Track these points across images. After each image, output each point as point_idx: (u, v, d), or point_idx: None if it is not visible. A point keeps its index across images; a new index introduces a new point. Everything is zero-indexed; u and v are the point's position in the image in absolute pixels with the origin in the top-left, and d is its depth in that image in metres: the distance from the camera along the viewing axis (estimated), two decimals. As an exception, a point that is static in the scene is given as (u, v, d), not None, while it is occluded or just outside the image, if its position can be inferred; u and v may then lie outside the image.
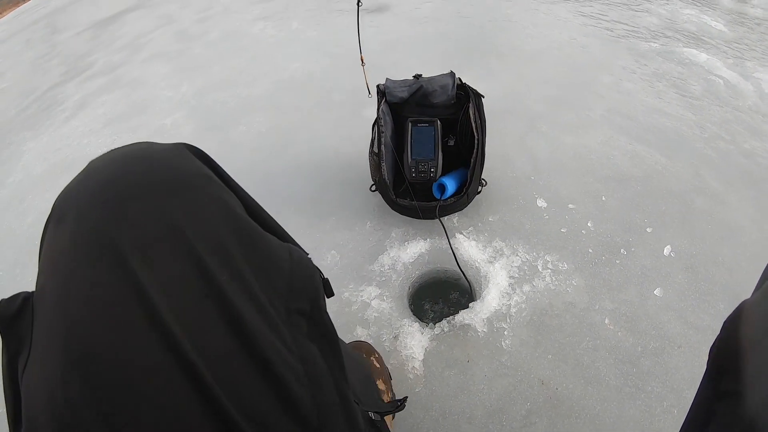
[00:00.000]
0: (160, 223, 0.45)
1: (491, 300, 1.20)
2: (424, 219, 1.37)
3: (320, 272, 0.60)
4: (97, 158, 0.49)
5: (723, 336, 0.48)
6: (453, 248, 1.28)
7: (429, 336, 1.17)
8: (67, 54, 3.64)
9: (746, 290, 0.57)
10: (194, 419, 0.41)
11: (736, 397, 0.43)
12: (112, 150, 0.50)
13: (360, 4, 1.16)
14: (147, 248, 0.43)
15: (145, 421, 0.40)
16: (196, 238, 0.45)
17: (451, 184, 1.33)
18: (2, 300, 0.45)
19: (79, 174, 0.48)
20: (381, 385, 1.01)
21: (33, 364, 0.42)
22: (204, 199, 0.49)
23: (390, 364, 1.13)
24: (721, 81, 2.01)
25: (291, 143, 1.82)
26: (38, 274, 0.45)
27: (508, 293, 1.22)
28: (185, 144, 0.53)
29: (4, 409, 0.43)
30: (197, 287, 0.45)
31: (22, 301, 0.44)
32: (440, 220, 1.30)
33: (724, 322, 0.48)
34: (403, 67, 1.93)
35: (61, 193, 0.47)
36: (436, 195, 1.35)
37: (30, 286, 0.44)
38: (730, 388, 0.44)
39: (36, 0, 6.42)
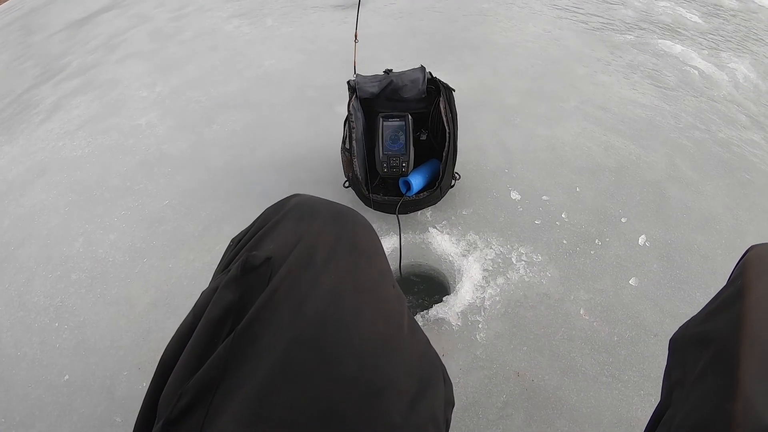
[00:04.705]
0: None
1: (465, 293, 1.19)
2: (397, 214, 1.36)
3: None
4: None
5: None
6: (401, 245, 1.29)
7: (403, 331, 1.16)
8: (41, 55, 3.56)
9: (722, 277, 0.56)
10: None
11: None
12: None
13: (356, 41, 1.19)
14: None
15: None
16: None
17: (417, 180, 1.32)
18: (254, 252, 0.53)
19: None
20: None
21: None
22: None
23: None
24: (696, 71, 2.02)
25: (265, 141, 1.79)
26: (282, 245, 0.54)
27: (482, 286, 1.21)
28: None
29: None
30: None
31: (264, 260, 0.52)
32: (397, 217, 1.29)
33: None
34: (377, 62, 1.92)
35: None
36: (403, 190, 1.34)
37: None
38: None
39: (10, 2, 6.31)
